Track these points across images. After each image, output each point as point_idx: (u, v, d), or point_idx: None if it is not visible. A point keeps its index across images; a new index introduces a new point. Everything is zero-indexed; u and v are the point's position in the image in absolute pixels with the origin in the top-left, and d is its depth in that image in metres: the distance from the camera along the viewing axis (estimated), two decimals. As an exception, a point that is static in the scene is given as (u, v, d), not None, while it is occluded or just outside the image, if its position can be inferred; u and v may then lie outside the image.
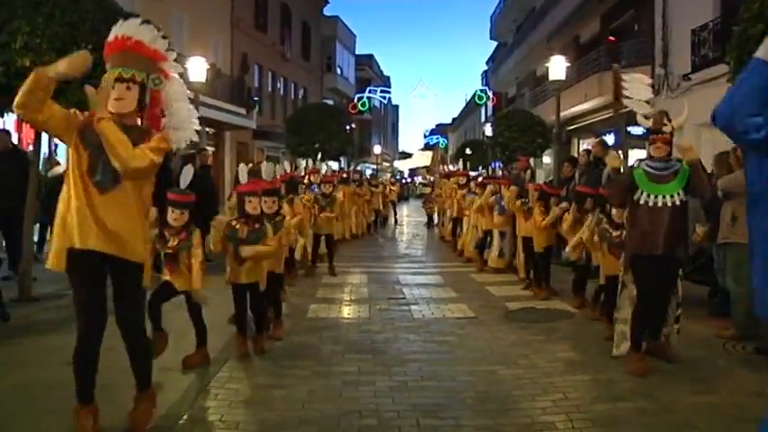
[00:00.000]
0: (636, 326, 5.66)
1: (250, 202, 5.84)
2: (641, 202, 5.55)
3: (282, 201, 8.61)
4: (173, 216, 5.22)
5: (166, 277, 5.26)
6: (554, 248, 9.23)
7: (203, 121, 17.88)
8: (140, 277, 3.95)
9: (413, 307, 8.33)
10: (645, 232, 5.50)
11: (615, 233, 6.42)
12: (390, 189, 22.38)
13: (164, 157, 3.89)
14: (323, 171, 13.51)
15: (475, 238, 12.06)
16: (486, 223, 11.19)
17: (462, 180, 14.24)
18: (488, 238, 11.33)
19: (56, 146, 14.30)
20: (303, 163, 13.64)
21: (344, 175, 17.05)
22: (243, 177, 6.45)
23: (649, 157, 5.69)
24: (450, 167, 21.68)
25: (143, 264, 3.94)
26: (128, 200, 3.79)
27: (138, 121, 3.94)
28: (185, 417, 4.42)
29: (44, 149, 13.31)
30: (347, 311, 8.13)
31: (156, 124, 4.02)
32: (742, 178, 6.47)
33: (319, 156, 18.35)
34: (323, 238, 10.83)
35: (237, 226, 5.81)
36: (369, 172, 39.45)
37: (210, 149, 17.16)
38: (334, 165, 25.85)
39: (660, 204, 5.48)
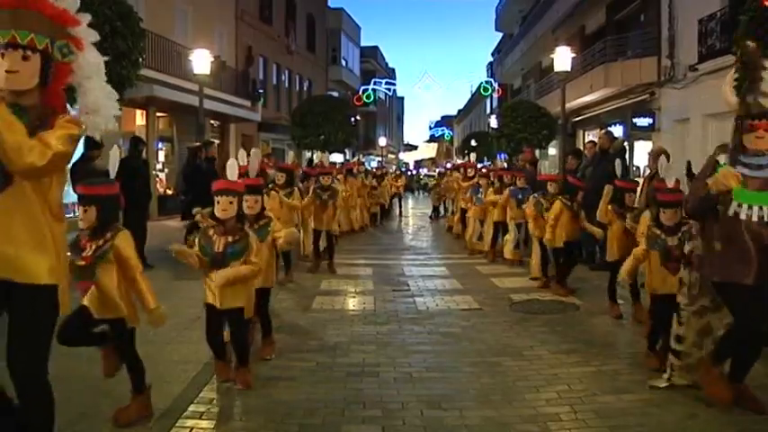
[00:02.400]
0: (735, 360, 4.43)
1: (218, 202, 4.66)
2: (742, 216, 4.13)
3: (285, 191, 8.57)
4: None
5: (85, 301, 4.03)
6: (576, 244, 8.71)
7: (208, 113, 17.95)
8: (44, 304, 3.01)
9: (417, 299, 8.33)
10: (741, 253, 4.14)
11: (670, 241, 5.18)
12: (392, 183, 22.22)
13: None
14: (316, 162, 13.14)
15: (477, 232, 12.14)
16: (498, 215, 10.96)
17: (470, 172, 14.16)
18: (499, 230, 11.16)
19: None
20: (309, 154, 13.67)
21: (350, 168, 17.00)
22: (232, 174, 4.97)
23: (736, 147, 4.36)
24: (458, 160, 21.66)
25: (51, 286, 3.00)
26: (26, 205, 2.92)
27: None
28: (191, 408, 4.44)
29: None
30: (352, 303, 8.15)
31: (58, 104, 3.09)
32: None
33: (312, 153, 18.33)
34: (324, 233, 10.21)
35: (214, 237, 4.65)
36: (374, 164, 39.40)
37: (215, 142, 17.16)
38: (339, 157, 25.83)
39: (757, 218, 4.09)
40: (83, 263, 3.87)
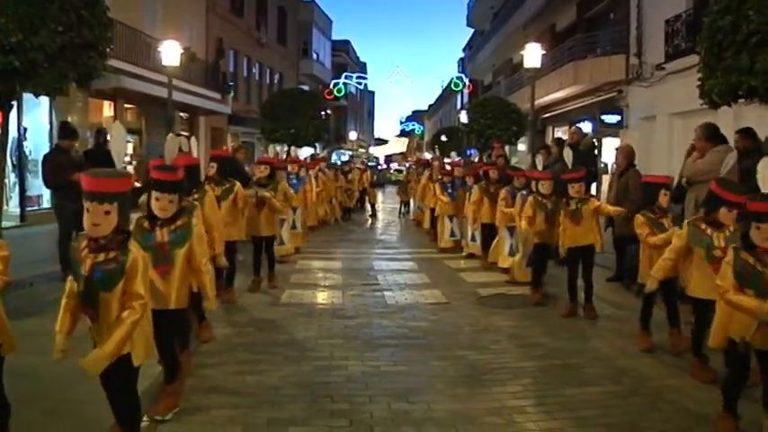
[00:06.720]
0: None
1: (88, 210, 3.18)
2: None
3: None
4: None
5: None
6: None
7: (178, 105, 17.74)
8: None
9: (386, 293, 8.36)
10: None
11: None
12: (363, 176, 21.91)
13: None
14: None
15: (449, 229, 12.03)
16: (487, 216, 10.15)
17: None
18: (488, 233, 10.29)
19: (25, 129, 14.09)
20: (278, 148, 13.57)
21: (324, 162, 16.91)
22: (119, 152, 3.79)
23: None
24: (427, 155, 21.57)
25: None
26: None
27: None
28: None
29: (13, 133, 13.16)
30: (321, 297, 8.13)
31: None
32: (702, 167, 6.64)
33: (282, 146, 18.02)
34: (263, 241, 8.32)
35: (83, 254, 3.26)
36: (344, 158, 39.29)
37: (185, 134, 16.98)
38: (307, 151, 25.73)
39: None
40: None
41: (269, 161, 8.71)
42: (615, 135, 18.16)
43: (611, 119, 18.05)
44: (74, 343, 3.40)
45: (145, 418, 3.97)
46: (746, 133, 7.18)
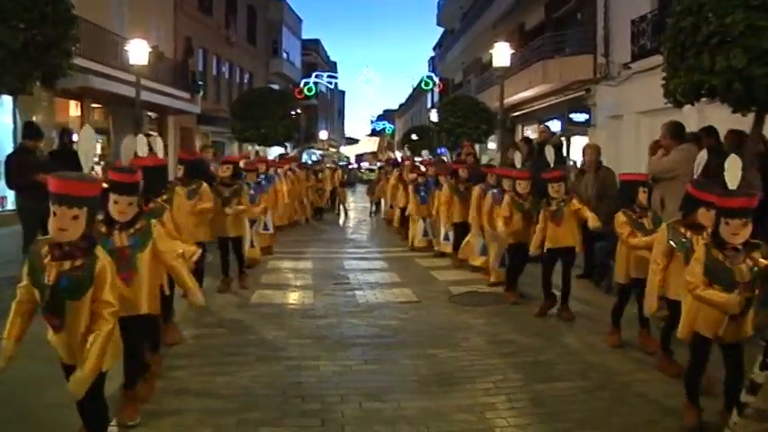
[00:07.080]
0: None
1: (55, 214, 3.06)
2: None
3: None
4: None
5: None
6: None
7: (146, 105, 17.52)
8: None
9: (357, 292, 8.36)
10: None
11: (739, 274, 3.74)
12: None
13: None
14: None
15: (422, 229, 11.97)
16: (458, 215, 10.16)
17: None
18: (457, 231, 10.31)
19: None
20: (249, 148, 13.48)
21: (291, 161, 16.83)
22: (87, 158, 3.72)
23: None
24: (398, 154, 21.52)
25: None
26: None
27: None
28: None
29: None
30: (292, 297, 8.10)
31: None
32: (667, 165, 6.74)
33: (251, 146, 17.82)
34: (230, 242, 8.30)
35: (46, 261, 3.15)
36: (315, 158, 39.13)
37: (153, 134, 16.79)
38: (277, 150, 25.58)
39: None
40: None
41: (232, 160, 8.68)
42: (583, 134, 18.36)
43: (580, 117, 18.23)
44: (30, 347, 3.35)
45: (113, 423, 3.93)
46: (709, 132, 7.32)
